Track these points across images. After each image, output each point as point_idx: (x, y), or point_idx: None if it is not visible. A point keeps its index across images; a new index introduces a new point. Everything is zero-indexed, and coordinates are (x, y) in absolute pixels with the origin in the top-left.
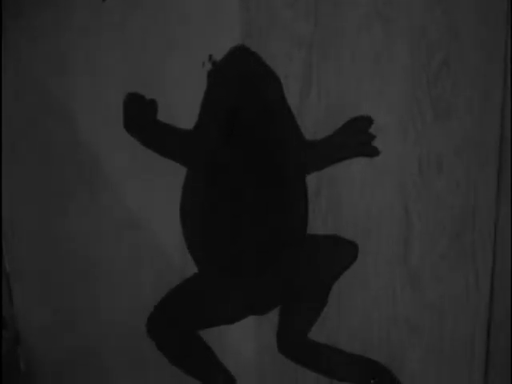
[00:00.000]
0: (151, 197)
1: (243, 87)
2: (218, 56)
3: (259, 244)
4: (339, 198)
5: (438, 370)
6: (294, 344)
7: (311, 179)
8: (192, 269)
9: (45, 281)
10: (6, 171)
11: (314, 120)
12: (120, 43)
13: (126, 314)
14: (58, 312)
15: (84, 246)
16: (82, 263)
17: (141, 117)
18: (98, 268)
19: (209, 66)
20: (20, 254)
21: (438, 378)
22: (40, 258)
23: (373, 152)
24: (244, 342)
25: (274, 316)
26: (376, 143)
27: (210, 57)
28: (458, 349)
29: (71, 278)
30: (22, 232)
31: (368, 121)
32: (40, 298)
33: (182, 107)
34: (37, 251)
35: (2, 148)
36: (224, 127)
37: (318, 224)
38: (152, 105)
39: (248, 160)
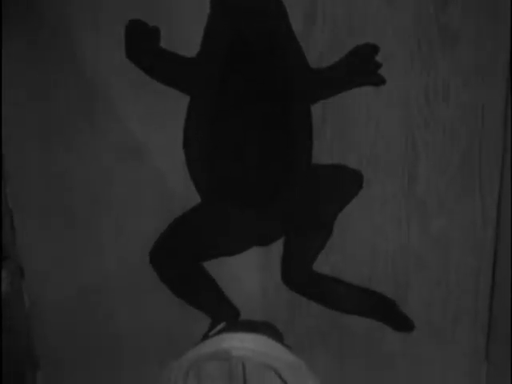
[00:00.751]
0: (153, 126)
1: (247, 14)
2: None
3: (263, 173)
4: (344, 128)
5: (443, 301)
6: (299, 275)
7: (316, 108)
8: (195, 198)
9: (47, 216)
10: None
11: (319, 47)
12: None
13: (128, 245)
14: (60, 246)
15: (85, 180)
16: (83, 197)
17: (143, 44)
18: (100, 201)
19: None
20: (22, 191)
21: (443, 310)
22: (42, 194)
23: (379, 80)
24: (248, 273)
25: (278, 247)
26: (382, 71)
27: None
28: (464, 281)
29: (73, 213)
30: (23, 168)
31: (374, 49)
32: (42, 234)
33: (184, 35)
34: (38, 187)
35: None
36: (227, 55)
37: (323, 154)
38: (155, 32)
39: (252, 88)
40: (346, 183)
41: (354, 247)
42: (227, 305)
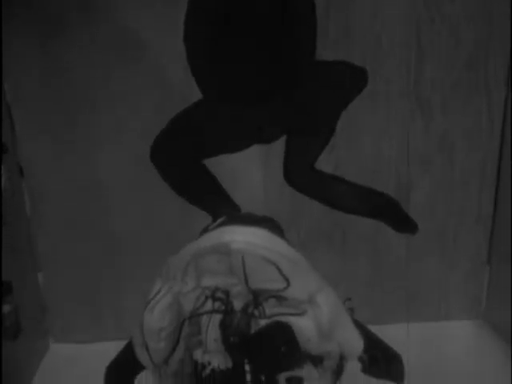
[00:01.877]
0: (152, 17)
1: None
2: None
3: (265, 69)
4: (349, 24)
5: (447, 202)
6: (301, 173)
7: (320, 4)
8: (196, 94)
9: (46, 114)
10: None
11: None
12: None
13: (128, 142)
14: (60, 145)
15: (85, 76)
16: (83, 94)
17: None
18: (99, 97)
19: None
20: (19, 82)
21: (446, 211)
22: (41, 91)
23: None
24: (250, 171)
25: (280, 145)
26: None
27: None
28: (468, 181)
29: (73, 111)
30: (22, 64)
31: None
32: (42, 132)
33: None
34: (36, 79)
35: None
36: None
37: (327, 50)
38: None
39: None
40: (349, 80)
41: (358, 147)
42: (228, 203)
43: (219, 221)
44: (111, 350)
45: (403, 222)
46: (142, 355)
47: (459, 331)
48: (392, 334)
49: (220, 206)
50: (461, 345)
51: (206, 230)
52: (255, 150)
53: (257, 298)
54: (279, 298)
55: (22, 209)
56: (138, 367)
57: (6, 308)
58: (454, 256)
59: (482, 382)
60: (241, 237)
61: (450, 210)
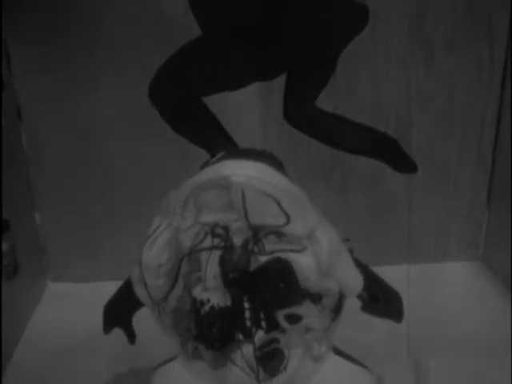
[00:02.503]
0: None
1: None
2: None
3: (266, 2)
4: None
5: (447, 141)
6: (301, 112)
7: None
8: (195, 29)
9: (43, 49)
10: None
11: None
12: None
13: (126, 83)
14: (58, 87)
15: (84, 11)
16: (80, 26)
17: None
18: (96, 32)
19: None
20: (17, 22)
21: (446, 151)
22: (39, 23)
23: None
24: (248, 110)
25: (279, 83)
26: None
27: None
28: (468, 121)
29: (71, 47)
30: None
31: None
32: (39, 63)
33: None
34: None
35: None
36: None
37: None
38: None
39: None
40: (350, 17)
41: (358, 85)
42: (227, 140)
43: (219, 155)
44: (110, 289)
45: (403, 162)
46: (140, 292)
47: (458, 273)
48: (391, 275)
49: (219, 143)
50: (459, 286)
51: (206, 165)
52: (255, 88)
53: (256, 233)
54: (279, 234)
55: (19, 149)
56: (137, 305)
57: (5, 245)
58: (453, 197)
59: (481, 322)
60: (241, 170)
61: (450, 151)
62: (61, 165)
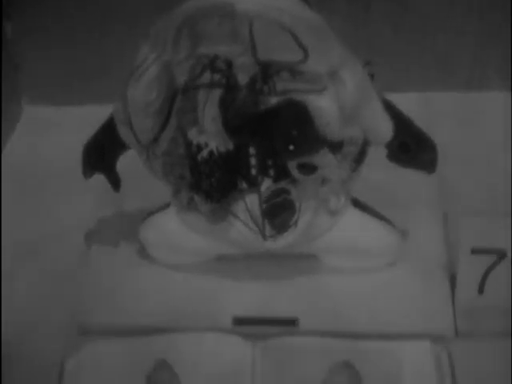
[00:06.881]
0: None
1: None
2: None
3: None
4: None
5: None
6: None
7: None
8: None
9: None
10: None
11: None
12: None
13: None
14: None
15: None
16: None
17: None
18: None
19: None
20: None
21: None
22: None
23: None
24: None
25: None
26: None
27: None
28: None
29: None
30: None
31: None
32: None
33: None
34: None
35: None
36: None
37: None
38: None
39: None
40: None
41: None
42: None
43: None
44: (91, 114)
45: None
46: (125, 134)
47: (491, 103)
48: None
49: None
50: (493, 117)
51: None
52: None
53: (266, 70)
54: (294, 72)
55: None
56: (121, 147)
57: None
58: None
59: None
60: None
61: None
62: None
